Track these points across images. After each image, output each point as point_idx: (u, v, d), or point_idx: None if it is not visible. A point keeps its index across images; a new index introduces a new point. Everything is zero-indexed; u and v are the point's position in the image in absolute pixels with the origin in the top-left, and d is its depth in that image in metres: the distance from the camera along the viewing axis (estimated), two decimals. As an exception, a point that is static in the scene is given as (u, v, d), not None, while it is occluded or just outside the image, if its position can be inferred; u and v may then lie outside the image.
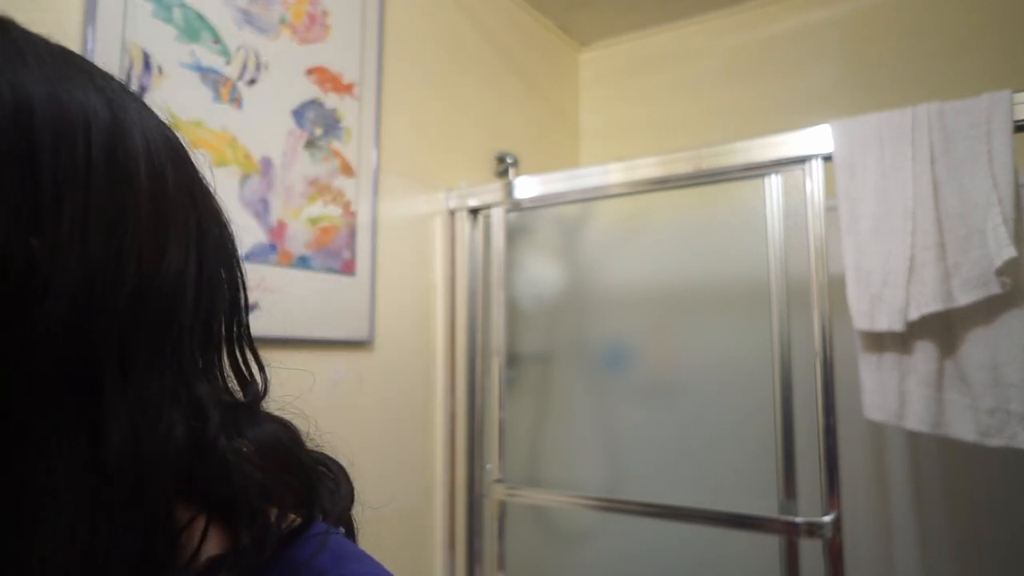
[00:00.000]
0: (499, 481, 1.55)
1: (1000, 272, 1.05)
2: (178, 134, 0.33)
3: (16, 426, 0.23)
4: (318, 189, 1.38)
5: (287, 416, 0.40)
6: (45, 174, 0.24)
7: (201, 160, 0.35)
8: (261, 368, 0.35)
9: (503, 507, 1.57)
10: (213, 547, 0.29)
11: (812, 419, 1.19)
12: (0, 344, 0.23)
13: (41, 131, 0.25)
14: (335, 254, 1.41)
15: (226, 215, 0.35)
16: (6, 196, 0.23)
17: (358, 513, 0.48)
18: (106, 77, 0.30)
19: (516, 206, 1.64)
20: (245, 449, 0.31)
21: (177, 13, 1.16)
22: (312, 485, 0.34)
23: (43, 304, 0.24)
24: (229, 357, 0.33)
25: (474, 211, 1.70)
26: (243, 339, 0.33)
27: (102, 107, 0.27)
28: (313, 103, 1.39)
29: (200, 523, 0.29)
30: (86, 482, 0.24)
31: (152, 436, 0.26)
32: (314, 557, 0.31)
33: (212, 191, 0.34)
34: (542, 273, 1.81)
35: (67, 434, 0.24)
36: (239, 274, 0.33)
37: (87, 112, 0.26)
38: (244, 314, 0.32)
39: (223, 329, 0.33)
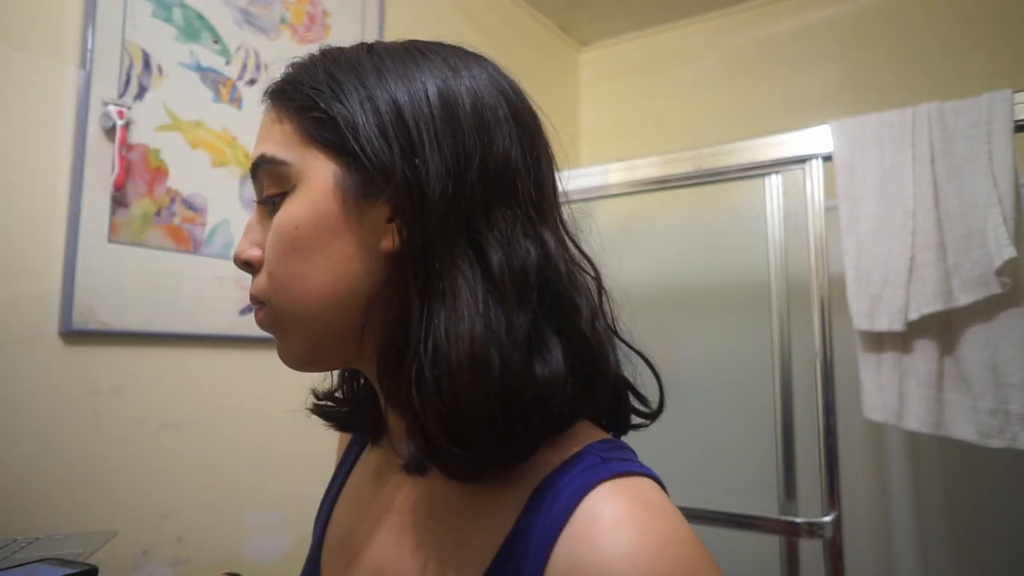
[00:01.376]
0: (499, 481, 1.55)
1: (1000, 272, 1.05)
2: (508, 80, 0.49)
3: (437, 257, 0.41)
4: (318, 189, 1.39)
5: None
6: (410, 121, 0.42)
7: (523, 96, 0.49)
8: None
9: (503, 507, 1.57)
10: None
11: (812, 419, 1.19)
12: (417, 219, 0.41)
13: (400, 101, 0.43)
14: (335, 254, 1.41)
15: (544, 121, 0.50)
16: (395, 139, 0.42)
17: None
18: (434, 59, 0.46)
19: (516, 206, 1.64)
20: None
21: (177, 13, 1.16)
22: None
23: (428, 189, 0.41)
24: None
25: (474, 211, 1.70)
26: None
27: (430, 76, 0.44)
28: (313, 103, 1.39)
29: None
30: (482, 287, 0.41)
31: (517, 256, 0.42)
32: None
33: (532, 105, 0.49)
34: (542, 273, 1.81)
35: (461, 261, 0.41)
36: (550, 156, 0.49)
37: (423, 82, 0.44)
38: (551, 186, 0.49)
39: (547, 193, 0.48)
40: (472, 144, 0.43)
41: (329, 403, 0.55)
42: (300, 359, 0.46)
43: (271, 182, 0.45)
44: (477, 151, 0.43)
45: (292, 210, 0.43)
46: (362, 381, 0.54)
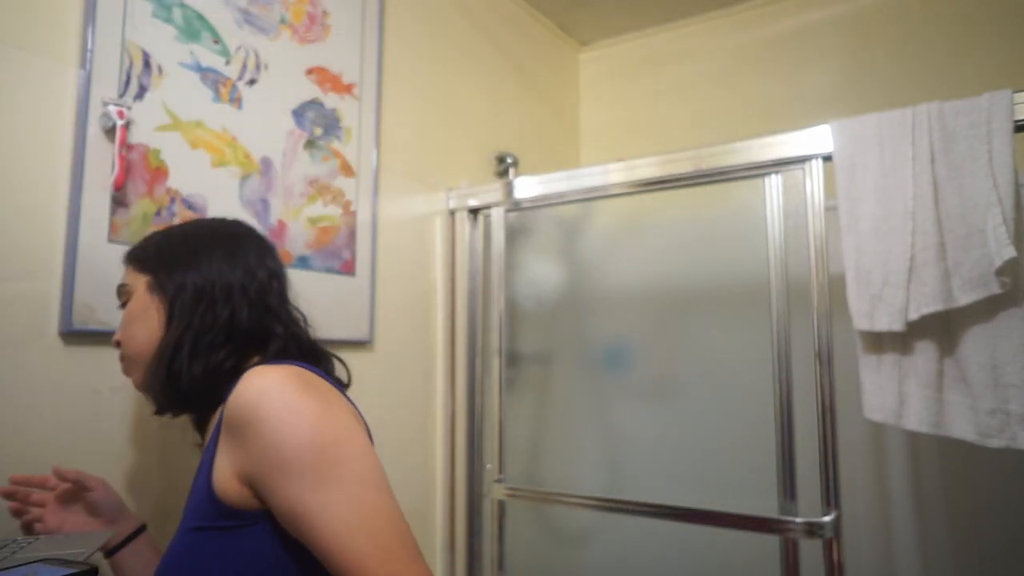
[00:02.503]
0: (499, 481, 1.55)
1: (1000, 272, 1.05)
2: (241, 225, 0.93)
3: (171, 317, 0.83)
4: (318, 189, 1.38)
5: None
6: (172, 261, 0.86)
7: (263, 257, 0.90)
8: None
9: (503, 507, 1.57)
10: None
11: (812, 419, 1.19)
12: (165, 304, 0.83)
13: (170, 252, 0.87)
14: (335, 254, 1.41)
15: (264, 264, 0.89)
16: (162, 269, 0.86)
17: None
18: (203, 225, 0.93)
19: (516, 206, 1.64)
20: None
21: (177, 13, 1.16)
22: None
23: (169, 292, 0.84)
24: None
25: (474, 211, 1.70)
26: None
27: (193, 238, 0.88)
28: (313, 103, 1.39)
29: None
30: (183, 330, 0.80)
31: (213, 315, 0.81)
32: None
33: (260, 236, 0.92)
34: (542, 273, 1.81)
35: (180, 321, 0.81)
36: (264, 263, 0.89)
37: (188, 241, 0.88)
38: (265, 293, 0.86)
39: (262, 283, 0.87)
40: (203, 270, 0.82)
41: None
42: (140, 383, 0.84)
43: (124, 296, 0.86)
44: (202, 272, 0.82)
45: (129, 307, 0.85)
46: None
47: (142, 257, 0.86)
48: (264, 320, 0.83)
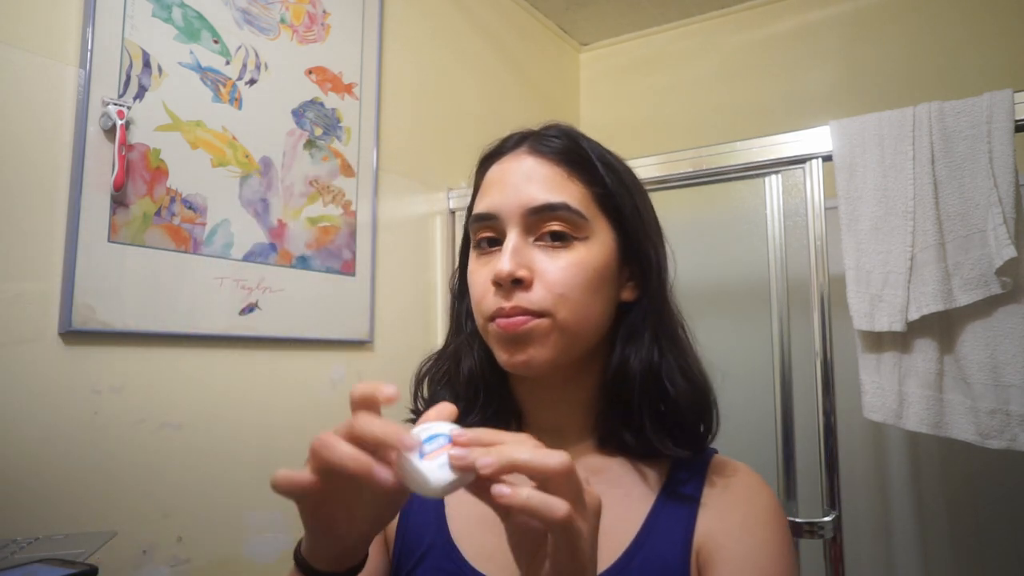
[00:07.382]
0: (499, 481, 1.55)
1: (1001, 272, 1.05)
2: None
3: (665, 312, 0.64)
4: (318, 189, 1.38)
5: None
6: (648, 221, 0.66)
7: None
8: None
9: (503, 507, 1.57)
10: None
11: (812, 419, 1.19)
12: (650, 284, 0.62)
13: (640, 204, 0.65)
14: (335, 254, 1.41)
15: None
16: (643, 230, 0.63)
17: None
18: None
19: (516, 206, 1.64)
20: None
21: (177, 13, 1.16)
22: None
23: (662, 268, 0.65)
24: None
25: (474, 211, 1.70)
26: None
27: (646, 196, 0.68)
28: (313, 103, 1.39)
29: None
30: (685, 336, 0.65)
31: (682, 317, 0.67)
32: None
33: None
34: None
35: (677, 317, 0.66)
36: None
37: (645, 194, 0.68)
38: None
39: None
40: (660, 239, 0.66)
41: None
42: (549, 363, 0.57)
43: (565, 225, 0.57)
44: (664, 250, 0.65)
45: (589, 256, 0.58)
46: (503, 391, 0.66)
47: (614, 196, 0.61)
48: None
